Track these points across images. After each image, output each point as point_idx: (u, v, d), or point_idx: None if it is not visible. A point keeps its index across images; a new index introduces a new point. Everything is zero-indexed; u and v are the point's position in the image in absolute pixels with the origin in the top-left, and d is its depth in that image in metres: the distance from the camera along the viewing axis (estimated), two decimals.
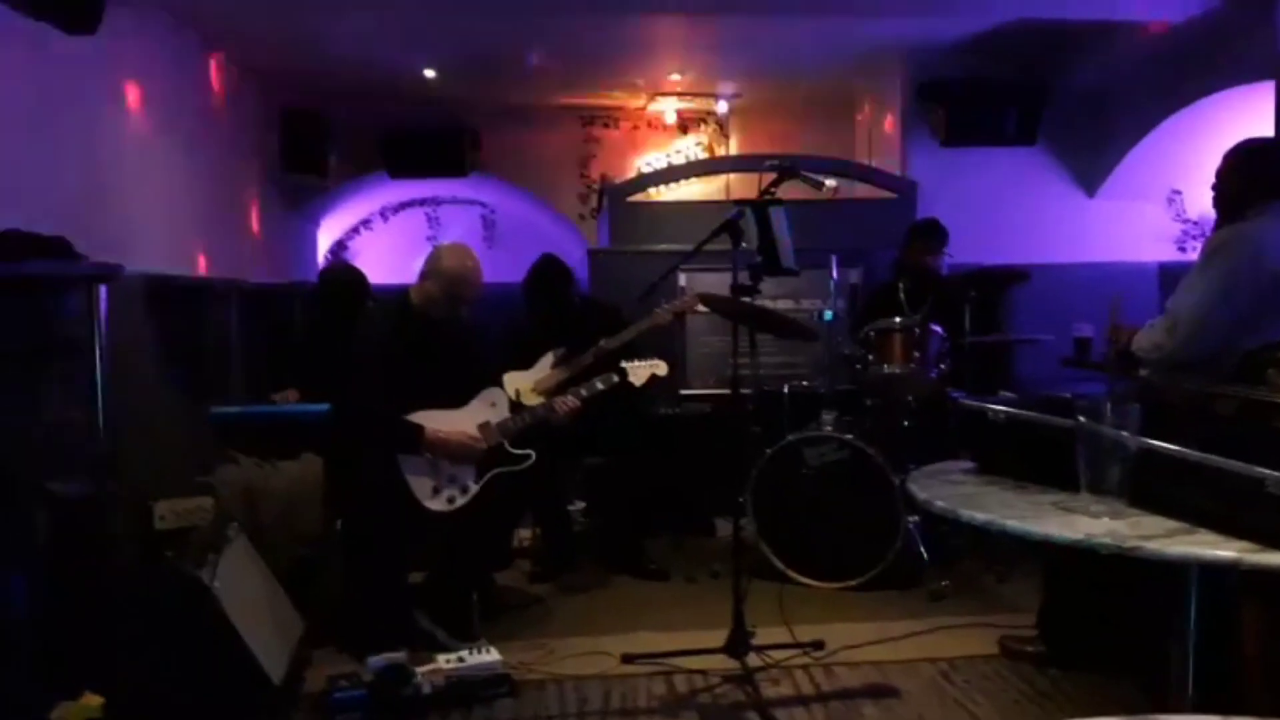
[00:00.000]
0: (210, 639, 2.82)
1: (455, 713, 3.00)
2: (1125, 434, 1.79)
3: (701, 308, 3.90)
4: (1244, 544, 1.62)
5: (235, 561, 3.17)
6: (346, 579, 3.62)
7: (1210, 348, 2.78)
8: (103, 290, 3.46)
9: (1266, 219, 2.83)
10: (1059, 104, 5.98)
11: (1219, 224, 3.04)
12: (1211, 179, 3.05)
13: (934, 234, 4.75)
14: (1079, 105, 6.05)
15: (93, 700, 2.52)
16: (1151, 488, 1.81)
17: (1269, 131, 4.36)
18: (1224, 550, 1.61)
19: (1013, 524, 1.79)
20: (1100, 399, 1.88)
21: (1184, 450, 1.76)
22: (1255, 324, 2.76)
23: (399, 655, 3.05)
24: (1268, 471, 1.60)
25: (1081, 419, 1.83)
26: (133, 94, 4.30)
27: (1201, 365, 2.78)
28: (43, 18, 3.09)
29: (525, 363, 4.34)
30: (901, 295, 4.65)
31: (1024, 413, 2.17)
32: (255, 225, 5.98)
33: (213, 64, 5.35)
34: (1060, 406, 2.06)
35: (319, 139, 6.45)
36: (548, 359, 4.36)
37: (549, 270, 4.55)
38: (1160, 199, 6.18)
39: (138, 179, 4.31)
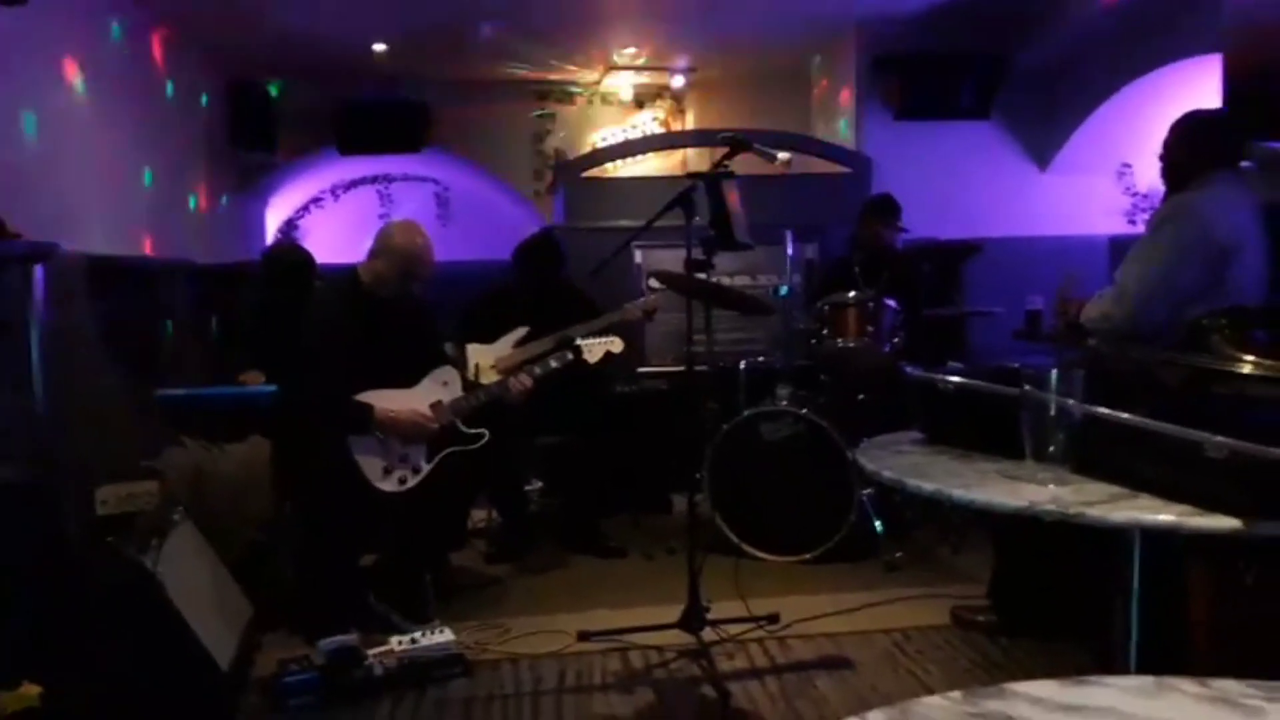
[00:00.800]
0: (154, 625, 2.76)
1: (409, 694, 2.97)
2: (1069, 401, 1.80)
3: (658, 285, 3.88)
4: (1184, 508, 1.63)
5: (180, 546, 3.11)
6: (298, 562, 3.57)
7: (1157, 318, 2.81)
8: (38, 270, 3.37)
9: (1213, 189, 2.85)
10: (1013, 78, 6.01)
11: (1167, 195, 3.06)
12: (1158, 151, 3.06)
13: (888, 210, 4.75)
14: (1032, 79, 6.08)
15: (30, 690, 2.45)
16: (1095, 454, 1.82)
17: (1217, 104, 4.41)
18: (1165, 515, 1.62)
19: (958, 493, 1.78)
20: (1046, 368, 1.88)
21: (1126, 416, 1.76)
22: (1202, 294, 2.78)
23: (350, 638, 3.02)
24: (1206, 435, 1.61)
25: (1027, 387, 1.83)
26: (70, 68, 4.17)
27: (1148, 335, 2.80)
28: None
29: (491, 336, 4.30)
30: (856, 270, 4.65)
31: (971, 382, 2.16)
32: (202, 204, 5.85)
33: (155, 37, 5.21)
34: (1008, 376, 2.06)
35: (267, 114, 6.33)
36: (511, 337, 4.32)
37: (546, 246, 4.60)
38: (1110, 172, 6.24)
39: (77, 156, 4.18)
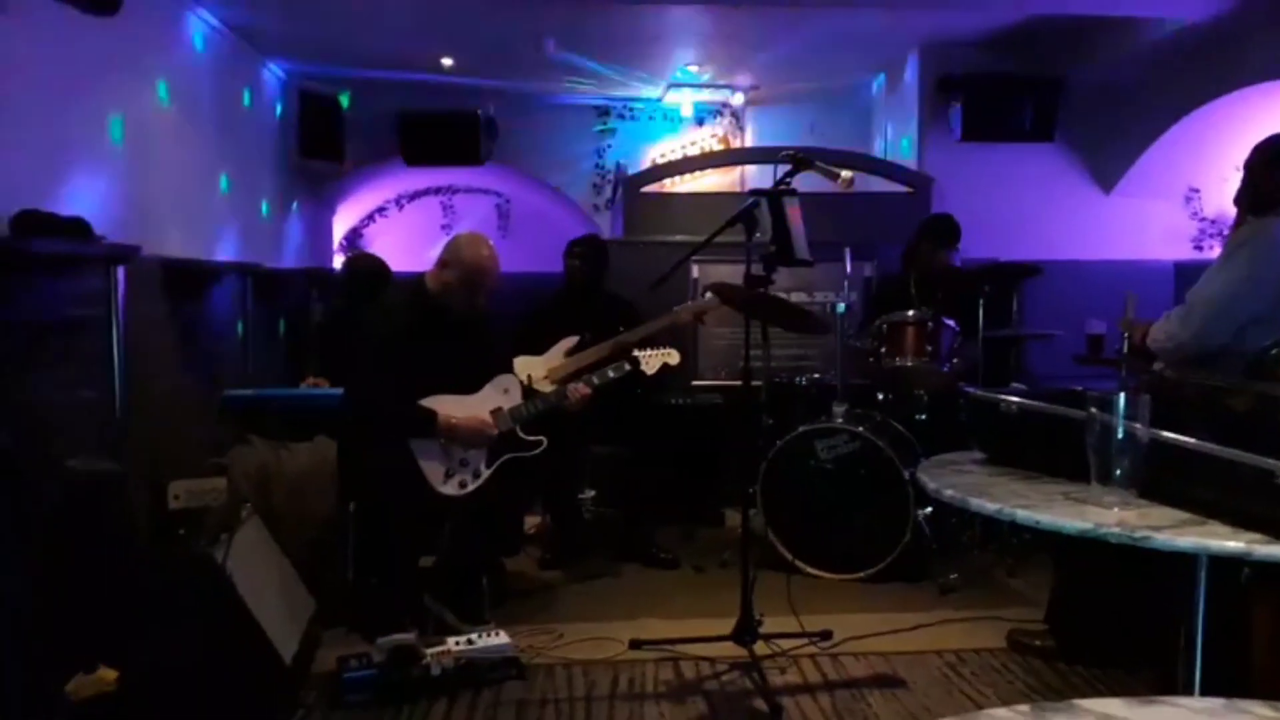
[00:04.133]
0: (222, 617, 2.84)
1: (464, 694, 3.02)
2: (1136, 425, 1.79)
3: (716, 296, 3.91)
4: (1254, 535, 1.62)
5: (248, 542, 3.20)
6: (358, 561, 3.65)
7: (1221, 340, 2.78)
8: (120, 271, 3.51)
9: None
10: (1076, 100, 5.96)
11: (1240, 218, 3.03)
12: (1227, 177, 3.03)
13: (946, 232, 4.71)
14: (1096, 102, 6.02)
15: (108, 674, 2.55)
16: (1162, 479, 1.81)
17: None
18: (1234, 541, 1.61)
19: (1022, 513, 1.79)
20: (1112, 391, 1.87)
21: (1194, 441, 1.76)
22: (1271, 322, 2.75)
23: (409, 636, 3.07)
24: (1278, 463, 1.60)
25: (1093, 410, 1.83)
26: (154, 77, 4.33)
27: (1213, 359, 2.77)
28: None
29: (539, 348, 4.36)
30: (912, 289, 4.62)
31: (1035, 403, 2.17)
32: (272, 211, 6.01)
33: (234, 48, 5.37)
34: (1071, 399, 2.06)
35: (336, 124, 6.48)
36: (561, 346, 4.37)
37: (597, 243, 4.75)
38: (1177, 197, 6.14)
39: (160, 162, 4.34)
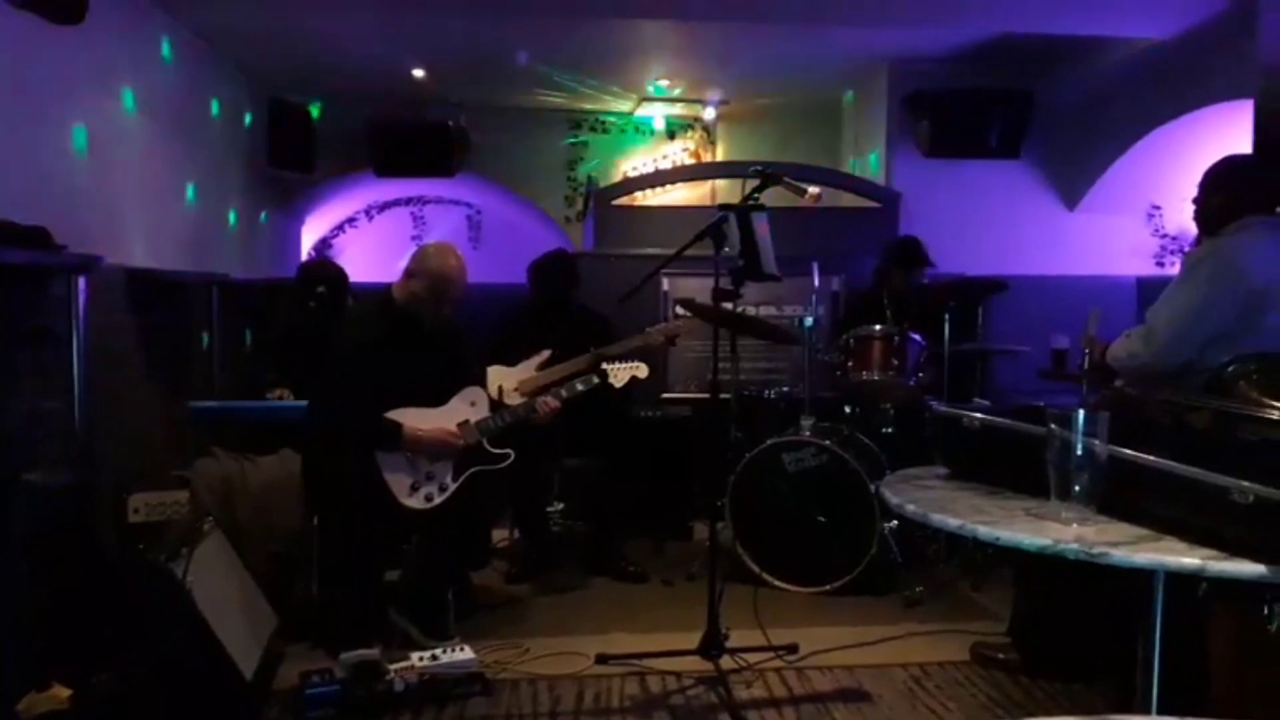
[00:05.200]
0: (182, 632, 2.80)
1: (428, 710, 3.00)
2: (1095, 442, 1.81)
3: (683, 313, 3.92)
4: (1209, 551, 1.63)
5: (209, 556, 3.16)
6: (322, 575, 3.61)
7: (1184, 359, 2.82)
8: (81, 281, 3.46)
9: (1249, 233, 2.87)
10: (1043, 117, 6.04)
11: (1199, 239, 3.08)
12: (1191, 195, 3.08)
13: (910, 258, 4.74)
14: (1063, 120, 6.11)
15: (61, 692, 2.50)
16: (1120, 495, 1.83)
17: (1248, 149, 4.42)
18: (1190, 558, 1.63)
19: (983, 530, 1.80)
20: (1072, 408, 1.89)
21: (1151, 458, 1.78)
22: (1231, 339, 2.79)
23: (372, 652, 3.05)
24: (1232, 480, 1.62)
25: (1053, 426, 1.85)
26: (120, 86, 4.29)
27: (1174, 377, 2.81)
28: (26, 8, 3.10)
29: (513, 359, 4.35)
30: (885, 307, 4.65)
31: (997, 419, 2.18)
32: (240, 221, 5.96)
33: (203, 57, 5.33)
34: (1033, 414, 2.07)
35: (306, 134, 6.44)
36: (535, 360, 4.36)
37: (561, 263, 4.70)
38: (1140, 214, 6.24)
39: (125, 171, 4.29)
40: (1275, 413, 2.04)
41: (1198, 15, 4.92)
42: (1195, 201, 3.07)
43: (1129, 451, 1.81)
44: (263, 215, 6.45)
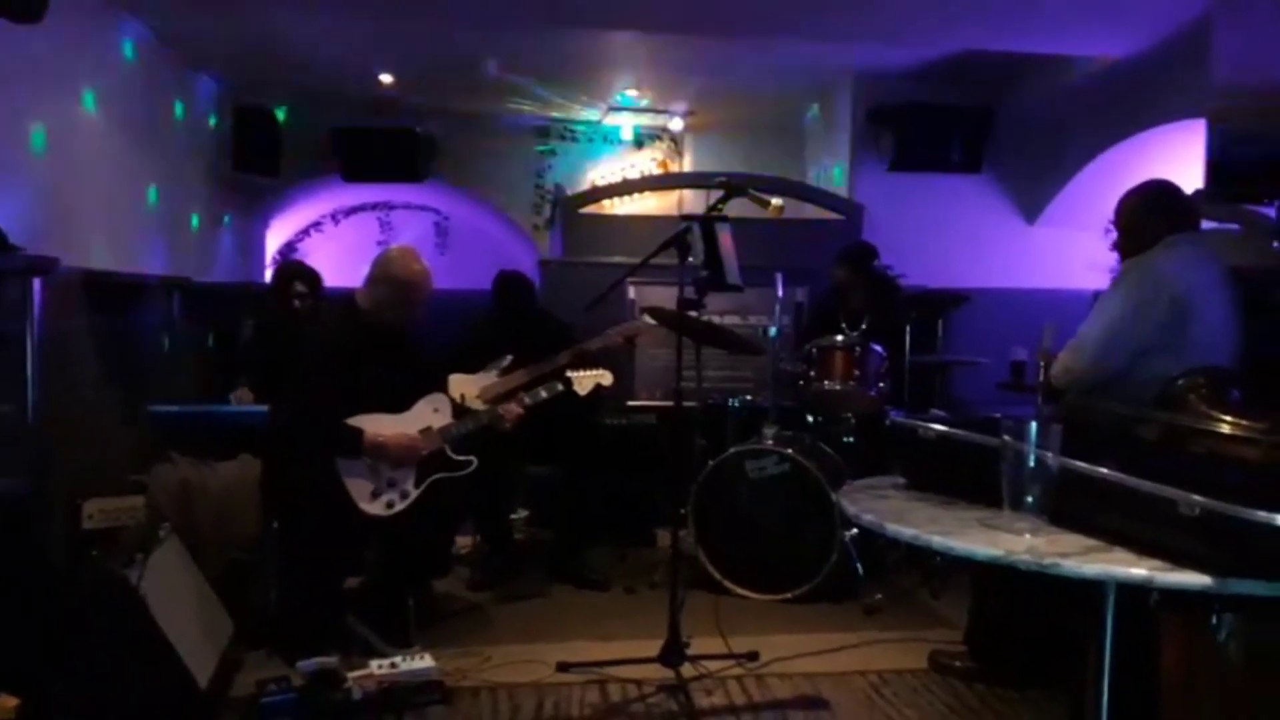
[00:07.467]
0: (135, 640, 2.77)
1: (385, 719, 2.98)
2: (1047, 453, 1.85)
3: (650, 320, 3.94)
4: (1157, 562, 1.67)
5: (164, 562, 3.12)
6: (281, 582, 3.57)
7: (1113, 370, 2.87)
8: (37, 283, 3.42)
9: (1173, 249, 2.95)
10: (1004, 132, 6.14)
11: (1123, 259, 3.16)
12: (1111, 221, 3.17)
13: (855, 255, 4.75)
14: (1023, 135, 6.20)
15: (7, 702, 2.46)
16: (1071, 507, 1.86)
17: (1200, 167, 4.51)
18: (1138, 569, 1.66)
19: (937, 540, 1.82)
20: (1026, 419, 1.92)
21: (1102, 471, 1.81)
22: (1163, 349, 2.85)
23: (331, 660, 3.02)
24: (1180, 493, 1.66)
25: (1006, 438, 1.88)
26: (81, 86, 4.23)
27: (1107, 389, 2.86)
28: None
29: (475, 366, 4.35)
30: (840, 317, 4.68)
31: (953, 430, 2.21)
32: (203, 224, 5.90)
33: (167, 59, 5.28)
34: (989, 426, 2.11)
35: (272, 138, 6.39)
36: (494, 367, 4.36)
37: (517, 285, 4.72)
38: (1097, 229, 6.33)
39: (84, 172, 4.23)
40: (1225, 426, 2.09)
41: (1154, 35, 5.03)
42: (1116, 224, 3.15)
43: (1081, 463, 1.85)
44: (226, 218, 6.39)
